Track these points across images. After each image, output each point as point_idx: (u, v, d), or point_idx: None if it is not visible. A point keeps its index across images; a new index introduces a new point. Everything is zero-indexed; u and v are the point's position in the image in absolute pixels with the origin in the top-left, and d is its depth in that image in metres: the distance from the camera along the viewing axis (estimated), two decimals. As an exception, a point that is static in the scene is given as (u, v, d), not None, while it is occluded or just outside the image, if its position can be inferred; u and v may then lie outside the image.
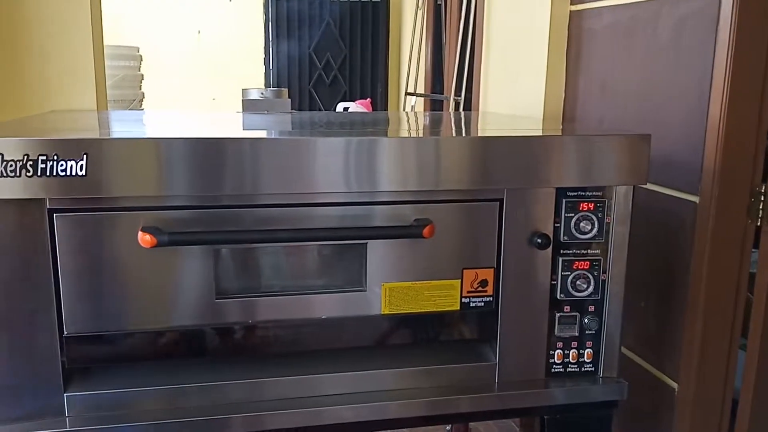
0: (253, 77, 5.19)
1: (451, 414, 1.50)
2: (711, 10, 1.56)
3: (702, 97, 1.58)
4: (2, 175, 1.12)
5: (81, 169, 1.14)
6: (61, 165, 1.13)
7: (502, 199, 1.37)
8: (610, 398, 1.49)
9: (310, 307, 1.37)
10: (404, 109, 4.48)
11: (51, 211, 1.18)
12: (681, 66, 1.67)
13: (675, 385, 1.75)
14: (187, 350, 1.43)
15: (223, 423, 1.32)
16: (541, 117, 2.22)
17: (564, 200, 1.38)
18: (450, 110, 3.53)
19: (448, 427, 2.49)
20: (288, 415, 1.35)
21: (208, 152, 1.21)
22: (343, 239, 1.35)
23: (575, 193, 1.39)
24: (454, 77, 3.48)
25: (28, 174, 1.13)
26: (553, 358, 1.46)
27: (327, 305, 1.38)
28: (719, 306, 1.64)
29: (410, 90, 4.35)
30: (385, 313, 1.39)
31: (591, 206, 1.39)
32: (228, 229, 1.27)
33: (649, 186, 1.70)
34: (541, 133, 1.62)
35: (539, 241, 1.38)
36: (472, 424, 2.50)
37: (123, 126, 1.73)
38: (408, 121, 2.23)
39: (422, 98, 4.36)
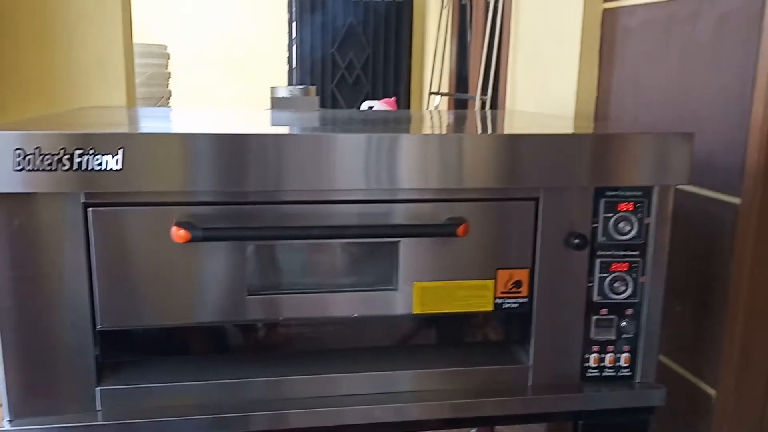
0: (278, 76, 5.20)
1: (485, 417, 1.48)
2: (754, 7, 1.52)
3: (744, 96, 1.54)
4: (38, 169, 1.12)
5: (117, 164, 1.13)
6: (97, 159, 1.13)
7: (538, 198, 1.35)
8: (647, 404, 1.45)
9: (340, 306, 1.36)
10: (428, 109, 4.46)
11: (86, 206, 1.18)
12: (722, 64, 1.63)
13: (713, 391, 1.71)
14: (216, 347, 1.42)
15: (248, 420, 1.31)
16: (572, 116, 2.19)
17: (602, 200, 1.35)
18: (476, 109, 3.50)
19: (473, 430, 2.46)
20: (314, 414, 1.34)
21: (237, 147, 1.20)
22: (376, 237, 1.34)
23: (614, 193, 1.36)
24: (480, 76, 3.45)
25: (64, 168, 1.12)
26: (589, 361, 1.43)
27: (358, 304, 1.36)
28: (761, 311, 1.60)
29: (434, 89, 4.32)
30: (417, 312, 1.36)
31: (630, 206, 1.36)
32: (262, 225, 1.26)
33: (688, 187, 1.67)
34: (575, 131, 1.60)
35: (576, 241, 1.35)
36: (498, 429, 2.47)
37: (154, 122, 1.73)
38: (434, 119, 2.21)
39: (446, 97, 4.33)
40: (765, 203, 1.52)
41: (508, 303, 1.39)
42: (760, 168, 1.50)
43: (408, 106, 5.17)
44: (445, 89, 4.35)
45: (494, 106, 3.33)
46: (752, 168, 1.52)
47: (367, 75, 5.14)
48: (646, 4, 1.93)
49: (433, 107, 4.30)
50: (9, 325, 1.20)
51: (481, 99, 3.40)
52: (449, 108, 4.39)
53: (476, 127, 1.87)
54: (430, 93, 4.34)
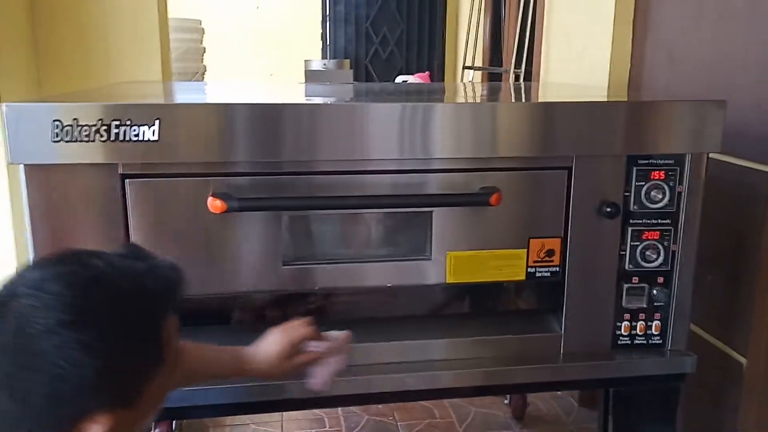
0: (311, 52, 5.20)
1: (516, 384, 1.49)
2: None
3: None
4: (77, 140, 1.15)
5: (153, 134, 1.16)
6: (134, 130, 1.16)
7: (571, 167, 1.35)
8: (678, 371, 1.46)
9: (374, 275, 1.38)
10: (462, 82, 4.43)
11: (123, 177, 1.20)
12: (756, 34, 1.60)
13: (743, 360, 1.70)
14: (254, 316, 1.46)
15: (282, 387, 1.34)
16: (606, 86, 2.17)
17: (635, 168, 1.35)
18: (510, 82, 3.47)
19: (506, 400, 2.48)
20: (347, 383, 1.35)
21: (272, 117, 1.22)
22: (409, 207, 1.35)
23: (646, 161, 1.35)
24: (514, 50, 3.42)
25: (101, 139, 1.15)
26: (620, 329, 1.43)
27: (391, 274, 1.38)
28: (794, 280, 1.58)
29: (468, 64, 4.28)
30: (450, 282, 1.38)
31: (662, 175, 1.35)
32: (297, 195, 1.28)
33: (721, 156, 1.64)
34: (614, 99, 1.58)
35: (608, 210, 1.35)
36: (530, 399, 2.48)
37: (190, 94, 1.76)
38: (467, 90, 2.20)
39: (480, 71, 4.30)
40: (801, 171, 1.49)
41: (541, 272, 1.40)
42: (797, 135, 1.48)
43: (442, 81, 5.14)
44: (479, 63, 4.31)
45: (528, 79, 3.30)
46: (788, 136, 1.49)
47: (400, 50, 5.12)
48: (681, -28, 1.89)
49: (467, 81, 4.27)
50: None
51: (515, 72, 3.37)
52: (483, 81, 4.35)
53: (508, 97, 1.87)
54: (464, 67, 4.31)
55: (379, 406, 2.48)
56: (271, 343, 1.18)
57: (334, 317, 1.44)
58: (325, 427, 2.34)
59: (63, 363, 0.73)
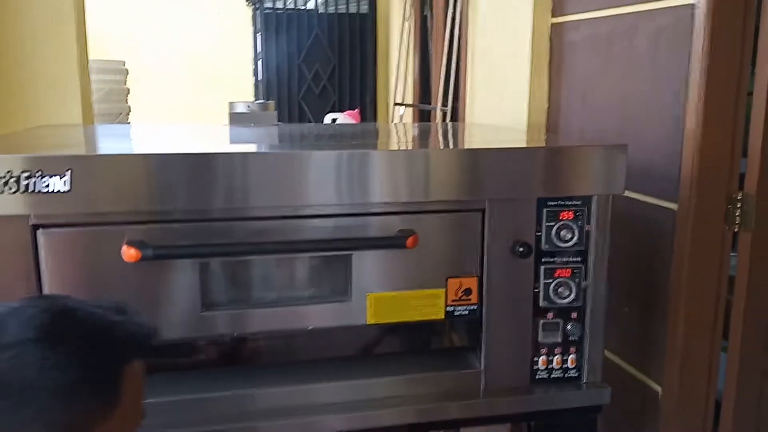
0: (243, 89, 5.21)
1: (439, 421, 1.51)
2: (685, 22, 1.58)
3: (679, 107, 1.60)
4: (-15, 192, 1.13)
5: (64, 185, 1.15)
6: (44, 181, 1.15)
7: (484, 209, 1.39)
8: (593, 403, 1.51)
9: (296, 318, 1.39)
10: (392, 120, 4.51)
11: (35, 227, 1.19)
12: (658, 77, 1.70)
13: (659, 388, 1.77)
14: (177, 362, 1.44)
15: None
16: (525, 127, 2.25)
17: (545, 209, 1.41)
18: (437, 120, 3.55)
19: (438, 436, 2.49)
20: (279, 427, 1.37)
21: (196, 166, 1.23)
22: (326, 250, 1.37)
23: (555, 203, 1.41)
24: (440, 88, 3.50)
25: (11, 191, 1.14)
26: (538, 364, 1.48)
27: (313, 316, 1.39)
28: (700, 310, 1.66)
29: (398, 100, 4.37)
30: (371, 323, 1.40)
31: (571, 215, 1.41)
32: (213, 243, 1.29)
33: (630, 194, 1.72)
34: (521, 145, 1.65)
35: (521, 249, 1.40)
36: (463, 429, 2.50)
37: (109, 141, 1.75)
38: (393, 132, 2.25)
39: (410, 108, 4.38)
40: (700, 208, 1.58)
41: (459, 310, 1.43)
42: (695, 175, 1.56)
43: (375, 116, 5.21)
44: (409, 99, 4.40)
45: (455, 116, 3.39)
46: (687, 176, 1.58)
47: (333, 86, 5.18)
48: (589, 20, 1.99)
49: (398, 118, 4.35)
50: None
51: (441, 110, 3.46)
52: (414, 119, 4.44)
53: (435, 142, 1.92)
54: (395, 104, 4.39)
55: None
56: None
57: (262, 361, 1.45)
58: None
59: (21, 377, 0.76)
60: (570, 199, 1.41)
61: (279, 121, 2.13)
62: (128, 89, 3.88)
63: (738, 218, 1.60)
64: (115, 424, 0.84)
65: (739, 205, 1.59)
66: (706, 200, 1.58)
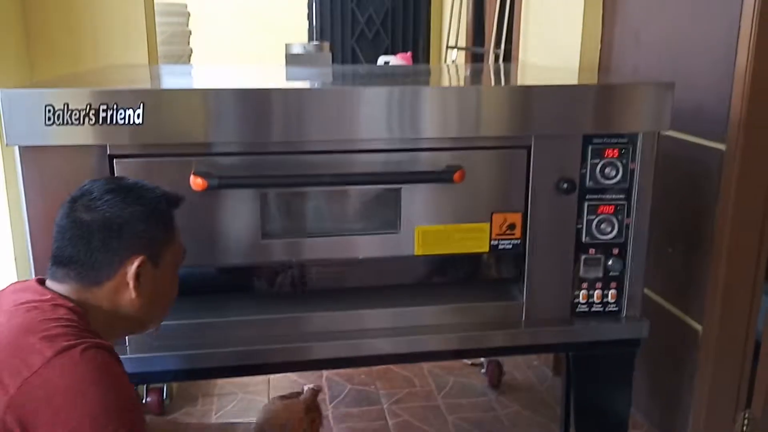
0: (297, 32, 5.24)
1: (480, 348, 1.59)
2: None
3: (729, 46, 1.60)
4: (68, 123, 1.23)
5: (138, 118, 1.25)
6: (120, 114, 1.24)
7: (530, 146, 1.44)
8: (632, 336, 1.56)
9: (348, 248, 1.47)
10: (445, 62, 4.50)
11: (111, 157, 1.29)
12: (710, 15, 1.69)
13: (699, 327, 1.81)
14: (237, 286, 1.55)
15: (269, 353, 1.44)
16: (577, 67, 2.25)
17: (590, 147, 1.44)
18: (490, 62, 3.55)
19: (483, 369, 2.59)
20: (330, 347, 1.46)
21: (254, 101, 1.31)
22: (378, 183, 1.44)
23: (601, 140, 1.44)
24: (494, 30, 3.49)
25: (90, 122, 1.24)
26: (578, 298, 1.53)
27: (364, 246, 1.47)
28: (743, 251, 1.68)
29: (451, 44, 4.36)
30: (419, 254, 1.47)
31: (616, 153, 1.45)
32: (273, 174, 1.37)
33: (677, 134, 1.74)
34: (573, 83, 1.67)
35: (565, 186, 1.45)
36: (507, 368, 2.59)
37: (176, 78, 1.83)
38: (445, 72, 2.28)
39: (463, 52, 4.37)
40: (748, 150, 1.59)
41: (503, 244, 1.49)
42: (744, 116, 1.57)
43: (427, 60, 5.19)
44: (462, 43, 4.38)
45: (508, 59, 3.38)
46: (736, 116, 1.59)
47: (386, 29, 5.16)
48: (645, -43, 1.97)
49: (450, 61, 4.34)
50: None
51: (494, 52, 3.45)
52: (466, 61, 4.43)
53: (484, 80, 1.95)
54: (448, 47, 4.38)
55: (362, 375, 2.59)
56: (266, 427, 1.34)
57: (316, 287, 1.54)
58: (309, 395, 2.44)
59: (113, 213, 1.09)
60: (615, 136, 1.44)
61: (333, 63, 2.18)
62: (190, 31, 3.95)
63: (786, 159, 1.60)
64: (174, 248, 1.17)
65: (787, 146, 1.60)
66: (754, 141, 1.59)
